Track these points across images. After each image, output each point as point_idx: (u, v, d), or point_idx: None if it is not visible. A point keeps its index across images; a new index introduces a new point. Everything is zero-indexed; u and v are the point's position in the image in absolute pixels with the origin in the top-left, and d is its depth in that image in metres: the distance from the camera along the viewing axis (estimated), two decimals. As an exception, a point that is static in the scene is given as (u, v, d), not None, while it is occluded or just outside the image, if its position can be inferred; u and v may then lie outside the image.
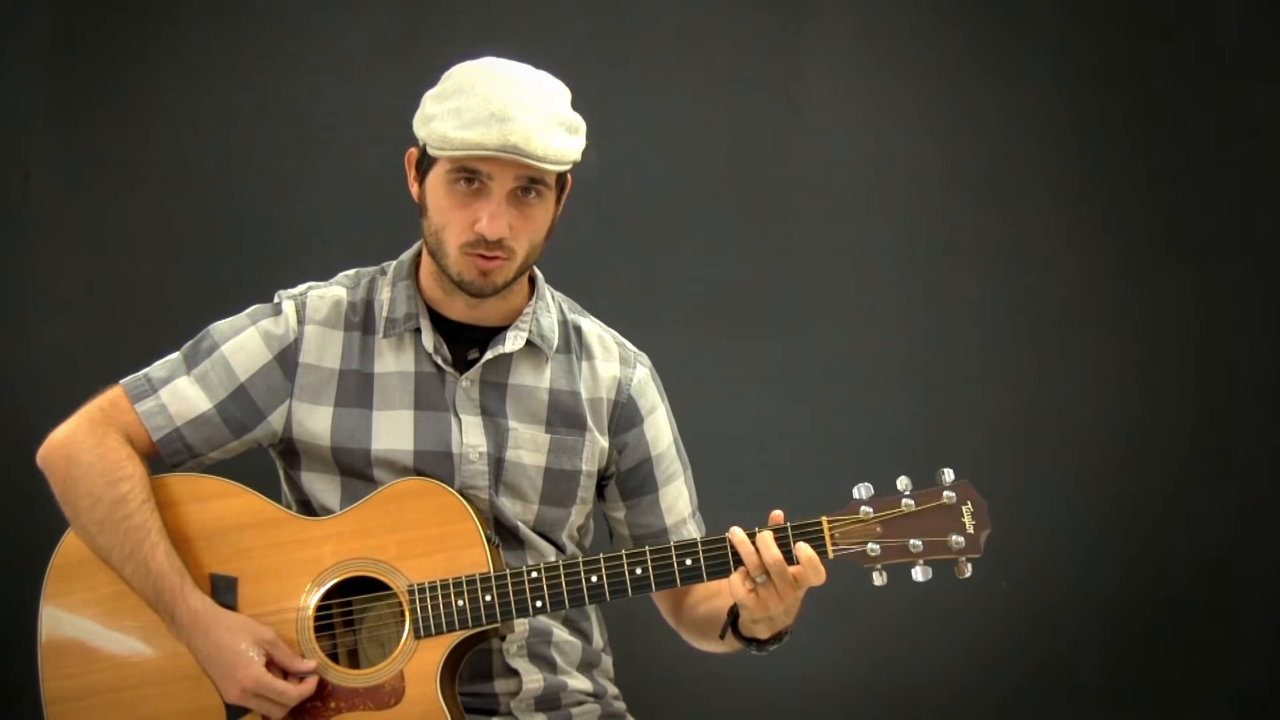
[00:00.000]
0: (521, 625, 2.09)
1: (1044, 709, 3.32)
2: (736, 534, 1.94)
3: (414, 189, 2.08)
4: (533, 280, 2.16)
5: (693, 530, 2.22)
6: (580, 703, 2.15)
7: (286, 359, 2.08)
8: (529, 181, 1.99)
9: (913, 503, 1.94)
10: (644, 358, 2.21)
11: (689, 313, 3.32)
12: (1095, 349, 3.33)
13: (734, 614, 2.02)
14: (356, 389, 2.09)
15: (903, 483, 1.95)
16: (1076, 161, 3.35)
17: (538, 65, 2.06)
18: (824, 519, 1.94)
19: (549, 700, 2.12)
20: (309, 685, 1.98)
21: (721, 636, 2.05)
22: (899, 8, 3.36)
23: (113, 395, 2.08)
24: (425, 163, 2.04)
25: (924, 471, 3.23)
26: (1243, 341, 3.31)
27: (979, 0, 3.36)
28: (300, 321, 2.09)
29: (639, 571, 1.96)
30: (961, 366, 3.34)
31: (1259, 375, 3.31)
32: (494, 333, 2.10)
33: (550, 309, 2.15)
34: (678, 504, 2.22)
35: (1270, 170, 3.31)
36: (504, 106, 1.95)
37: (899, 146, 3.36)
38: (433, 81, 2.05)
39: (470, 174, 1.98)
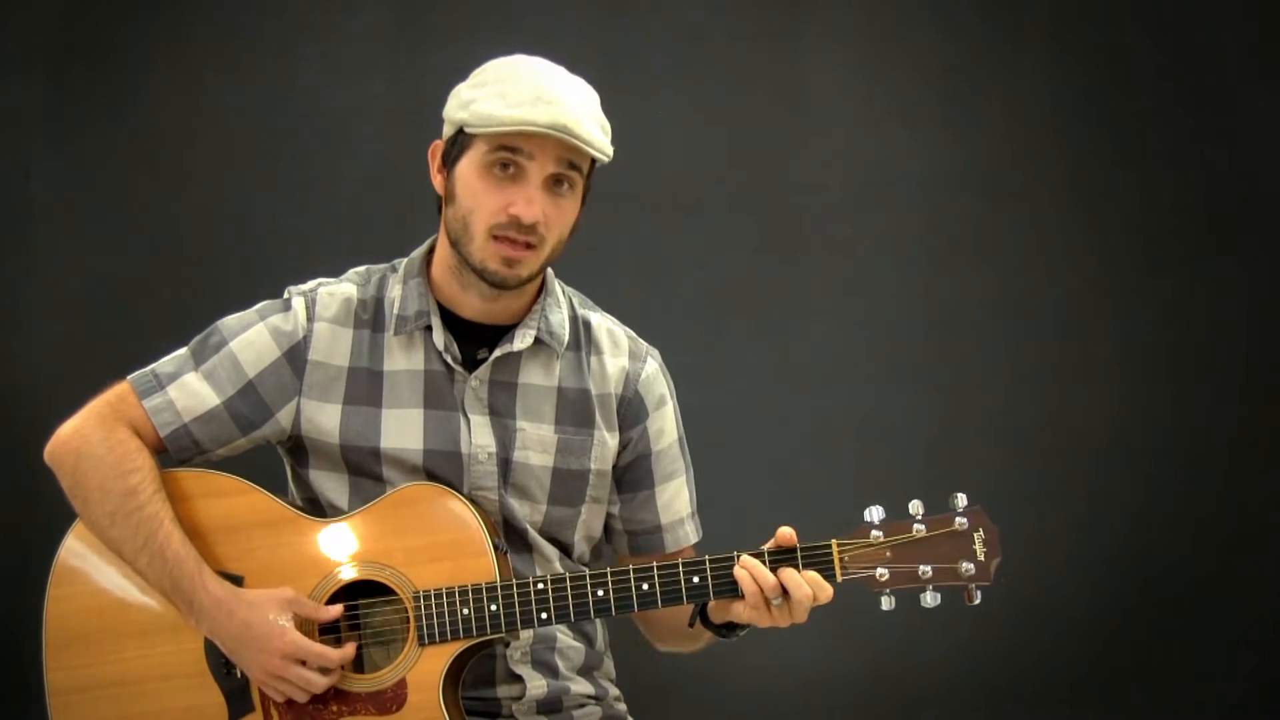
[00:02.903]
0: (526, 632, 2.08)
1: (1043, 706, 3.33)
2: (750, 561, 1.92)
3: (437, 179, 2.06)
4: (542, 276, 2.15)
5: (689, 532, 2.21)
6: (582, 705, 2.15)
7: (295, 356, 2.07)
8: (567, 167, 1.99)
9: (924, 528, 1.93)
10: (654, 352, 2.20)
11: (689, 312, 3.32)
12: (1095, 349, 3.34)
13: (701, 603, 2.00)
14: (366, 387, 2.07)
15: (914, 507, 1.94)
16: (1076, 162, 3.35)
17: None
18: (834, 542, 1.93)
19: (551, 704, 2.12)
20: (349, 650, 1.98)
21: (691, 625, 2.02)
22: (899, 7, 3.36)
23: (119, 391, 2.07)
24: (456, 150, 2.02)
25: (923, 471, 3.28)
26: (1242, 342, 3.32)
27: (980, 0, 3.36)
28: (310, 319, 2.08)
29: (645, 587, 1.95)
30: (962, 366, 3.34)
31: (1259, 376, 3.31)
32: (505, 331, 2.08)
33: (560, 304, 2.14)
34: (675, 503, 2.20)
35: (1270, 171, 3.31)
36: (550, 90, 1.96)
37: (899, 146, 3.36)
38: (459, 78, 2.05)
39: (509, 158, 1.97)
